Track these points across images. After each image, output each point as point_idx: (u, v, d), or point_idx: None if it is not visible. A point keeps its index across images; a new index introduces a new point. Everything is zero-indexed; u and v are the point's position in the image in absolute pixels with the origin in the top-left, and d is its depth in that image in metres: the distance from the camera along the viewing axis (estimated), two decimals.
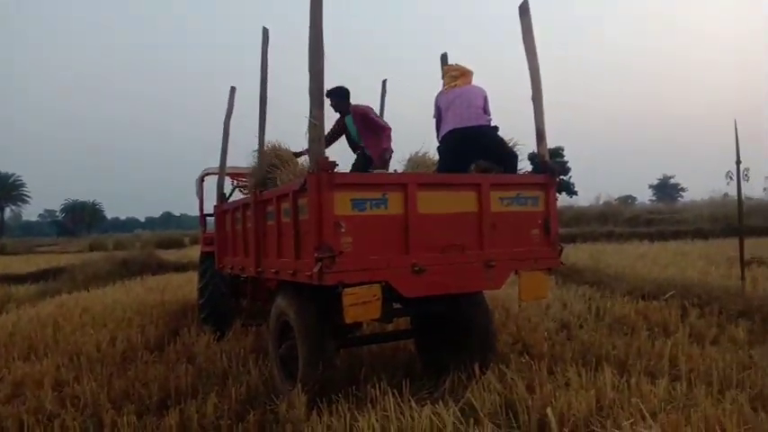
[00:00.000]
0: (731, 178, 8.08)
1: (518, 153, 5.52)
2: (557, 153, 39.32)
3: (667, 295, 7.52)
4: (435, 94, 5.69)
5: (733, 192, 8.15)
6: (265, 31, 5.64)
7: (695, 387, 4.39)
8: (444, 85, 5.64)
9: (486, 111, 5.40)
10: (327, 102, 6.14)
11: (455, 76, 5.54)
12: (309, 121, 4.30)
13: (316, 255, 4.04)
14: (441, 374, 4.92)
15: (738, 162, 7.75)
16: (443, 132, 5.43)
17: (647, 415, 3.64)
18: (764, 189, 26.83)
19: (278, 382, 5.03)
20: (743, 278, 7.72)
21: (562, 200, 37.07)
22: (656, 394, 4.18)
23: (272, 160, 6.16)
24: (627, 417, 3.76)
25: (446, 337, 5.30)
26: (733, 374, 4.62)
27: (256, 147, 5.94)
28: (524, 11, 5.18)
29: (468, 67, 5.62)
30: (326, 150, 6.36)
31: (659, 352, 5.38)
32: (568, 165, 42.42)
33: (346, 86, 6.31)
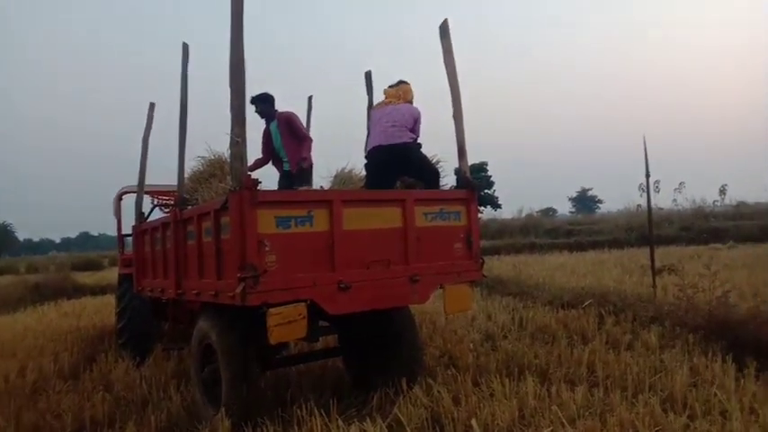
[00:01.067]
0: (643, 190, 8.53)
1: (441, 169, 5.63)
2: (481, 168, 40.30)
3: (585, 303, 7.81)
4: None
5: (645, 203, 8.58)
6: (185, 47, 5.52)
7: (611, 392, 4.57)
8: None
9: (413, 129, 5.48)
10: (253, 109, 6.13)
11: (393, 95, 5.64)
12: (231, 138, 4.22)
13: (239, 275, 3.95)
14: (369, 391, 4.91)
15: (648, 175, 8.19)
16: (369, 148, 5.48)
17: (566, 422, 3.76)
18: (674, 200, 28.38)
19: (201, 407, 4.87)
20: (654, 285, 8.13)
21: (487, 213, 38.05)
22: (575, 401, 4.32)
23: (213, 171, 6.05)
24: (547, 424, 3.87)
25: (374, 352, 5.30)
26: (646, 378, 4.84)
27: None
28: (444, 31, 5.30)
29: (410, 86, 5.72)
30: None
31: (578, 359, 5.58)
32: (492, 179, 43.51)
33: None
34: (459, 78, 5.28)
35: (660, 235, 21.81)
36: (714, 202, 28.35)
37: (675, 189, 28.74)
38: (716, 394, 4.31)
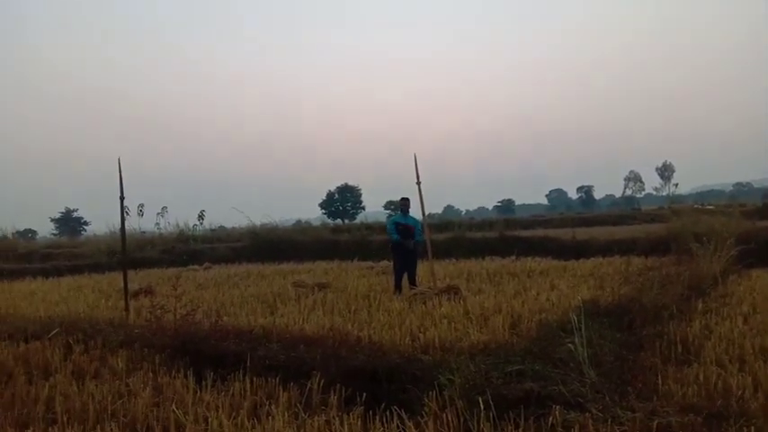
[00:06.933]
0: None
1: None
2: None
3: (51, 333, 7.16)
4: None
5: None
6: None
7: (69, 427, 4.28)
8: None
9: None
10: None
11: None
12: None
13: None
14: None
15: (122, 198, 8.16)
16: None
17: None
18: (156, 224, 29.44)
19: None
20: (127, 309, 8.09)
21: None
22: None
23: None
24: None
25: None
26: (108, 406, 4.70)
27: None
28: None
29: None
30: None
31: (35, 397, 5.04)
32: None
33: None
34: None
35: (143, 258, 22.22)
36: (194, 225, 30.68)
37: (158, 213, 29.90)
38: (174, 410, 4.49)
